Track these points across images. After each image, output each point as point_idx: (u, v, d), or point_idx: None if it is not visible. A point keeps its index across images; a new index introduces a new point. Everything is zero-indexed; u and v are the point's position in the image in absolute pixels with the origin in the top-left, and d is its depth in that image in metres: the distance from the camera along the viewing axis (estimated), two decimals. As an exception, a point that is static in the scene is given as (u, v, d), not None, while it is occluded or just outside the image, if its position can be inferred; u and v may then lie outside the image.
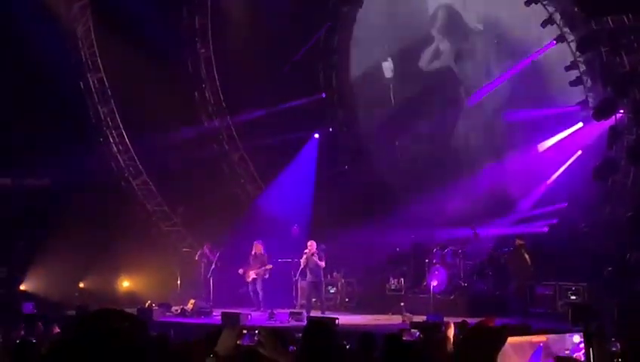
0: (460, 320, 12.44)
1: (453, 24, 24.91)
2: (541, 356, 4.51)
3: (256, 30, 24.01)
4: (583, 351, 4.72)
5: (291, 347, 7.30)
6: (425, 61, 25.58)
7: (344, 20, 25.88)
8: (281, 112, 24.70)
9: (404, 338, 10.53)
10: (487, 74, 24.05)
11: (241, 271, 22.11)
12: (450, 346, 4.83)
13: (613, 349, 7.76)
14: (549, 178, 22.24)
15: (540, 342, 4.50)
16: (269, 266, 21.94)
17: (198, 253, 23.71)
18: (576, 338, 4.91)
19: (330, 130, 26.43)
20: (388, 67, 26.40)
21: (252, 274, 21.94)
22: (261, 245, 22.24)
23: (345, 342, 10.12)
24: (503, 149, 23.34)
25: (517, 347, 3.91)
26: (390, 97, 26.01)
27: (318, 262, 20.73)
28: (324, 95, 26.13)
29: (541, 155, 22.32)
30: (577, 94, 21.16)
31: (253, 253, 22.11)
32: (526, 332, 4.49)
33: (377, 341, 9.11)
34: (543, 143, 22.37)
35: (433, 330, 4.95)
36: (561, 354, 4.74)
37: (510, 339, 3.85)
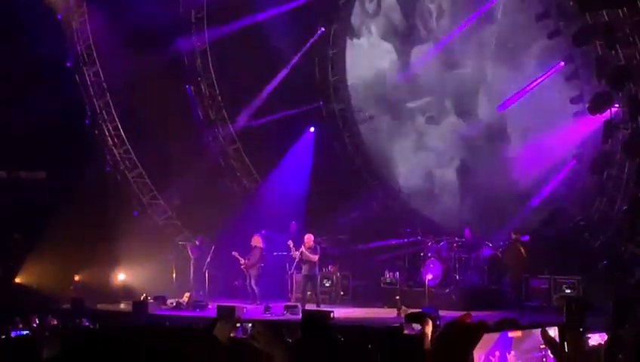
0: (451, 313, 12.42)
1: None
2: (510, 349, 4.50)
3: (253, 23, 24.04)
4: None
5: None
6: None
7: (341, 13, 25.84)
8: (278, 105, 24.82)
9: (405, 332, 10.51)
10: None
11: (242, 261, 22.03)
12: (427, 343, 4.85)
13: (592, 343, 7.71)
14: (547, 170, 22.30)
15: (499, 333, 4.48)
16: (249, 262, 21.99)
17: (189, 247, 23.76)
18: (551, 332, 4.89)
19: (326, 122, 26.43)
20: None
21: (245, 266, 22.01)
22: (260, 238, 22.23)
23: (340, 336, 10.14)
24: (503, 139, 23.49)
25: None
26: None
27: (310, 255, 20.75)
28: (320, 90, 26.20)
29: (540, 148, 22.30)
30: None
31: (253, 245, 22.12)
32: (509, 327, 4.45)
33: (373, 334, 9.15)
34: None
35: (420, 321, 4.97)
36: (536, 350, 4.74)
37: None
